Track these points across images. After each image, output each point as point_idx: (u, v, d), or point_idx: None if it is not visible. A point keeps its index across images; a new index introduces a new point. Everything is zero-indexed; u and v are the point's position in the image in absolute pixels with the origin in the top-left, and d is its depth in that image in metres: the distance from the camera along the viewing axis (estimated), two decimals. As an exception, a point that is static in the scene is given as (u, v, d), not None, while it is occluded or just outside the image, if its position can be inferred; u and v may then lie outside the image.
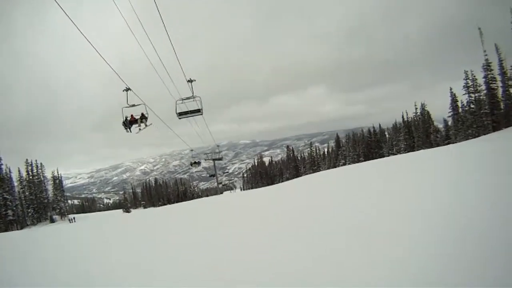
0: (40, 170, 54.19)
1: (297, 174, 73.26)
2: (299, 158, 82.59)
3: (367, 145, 60.99)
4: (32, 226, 49.11)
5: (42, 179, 54.41)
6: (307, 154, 79.99)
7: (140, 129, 11.72)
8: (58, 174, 57.55)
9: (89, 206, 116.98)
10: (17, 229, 45.38)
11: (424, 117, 50.20)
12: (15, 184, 50.37)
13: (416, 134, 50.28)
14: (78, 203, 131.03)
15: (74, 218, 52.88)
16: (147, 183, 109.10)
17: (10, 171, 49.90)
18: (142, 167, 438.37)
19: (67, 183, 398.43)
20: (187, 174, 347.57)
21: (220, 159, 36.76)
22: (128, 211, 75.58)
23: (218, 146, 34.98)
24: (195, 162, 31.09)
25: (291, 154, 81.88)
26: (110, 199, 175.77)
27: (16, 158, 54.55)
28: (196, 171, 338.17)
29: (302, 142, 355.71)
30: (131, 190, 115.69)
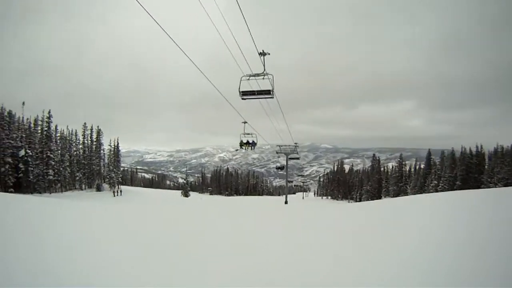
0: (99, 137, 53.53)
1: (379, 188, 66.45)
2: (382, 171, 71.12)
3: (467, 168, 50.10)
4: (77, 190, 48.22)
5: (99, 146, 53.74)
6: (391, 168, 70.44)
7: None
8: (116, 144, 56.47)
9: (158, 182, 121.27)
10: (60, 191, 44.50)
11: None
12: (73, 145, 50.30)
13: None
14: (149, 177, 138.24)
15: (120, 191, 50.68)
16: (218, 170, 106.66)
17: (70, 133, 50.13)
18: (222, 155, 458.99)
19: (146, 157, 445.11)
20: (265, 168, 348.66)
21: (297, 158, 34.69)
22: (186, 195, 72.76)
23: (296, 143, 32.06)
24: (247, 142, 19.96)
25: (377, 165, 71.17)
26: (184, 180, 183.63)
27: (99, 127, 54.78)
28: (272, 167, 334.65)
29: (384, 155, 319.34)
30: (200, 175, 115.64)
